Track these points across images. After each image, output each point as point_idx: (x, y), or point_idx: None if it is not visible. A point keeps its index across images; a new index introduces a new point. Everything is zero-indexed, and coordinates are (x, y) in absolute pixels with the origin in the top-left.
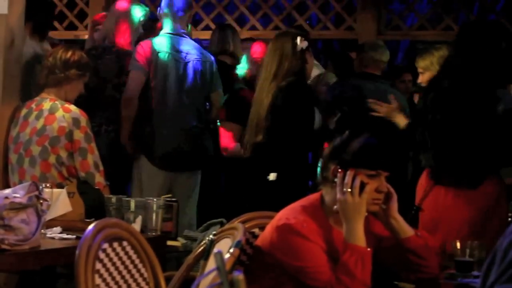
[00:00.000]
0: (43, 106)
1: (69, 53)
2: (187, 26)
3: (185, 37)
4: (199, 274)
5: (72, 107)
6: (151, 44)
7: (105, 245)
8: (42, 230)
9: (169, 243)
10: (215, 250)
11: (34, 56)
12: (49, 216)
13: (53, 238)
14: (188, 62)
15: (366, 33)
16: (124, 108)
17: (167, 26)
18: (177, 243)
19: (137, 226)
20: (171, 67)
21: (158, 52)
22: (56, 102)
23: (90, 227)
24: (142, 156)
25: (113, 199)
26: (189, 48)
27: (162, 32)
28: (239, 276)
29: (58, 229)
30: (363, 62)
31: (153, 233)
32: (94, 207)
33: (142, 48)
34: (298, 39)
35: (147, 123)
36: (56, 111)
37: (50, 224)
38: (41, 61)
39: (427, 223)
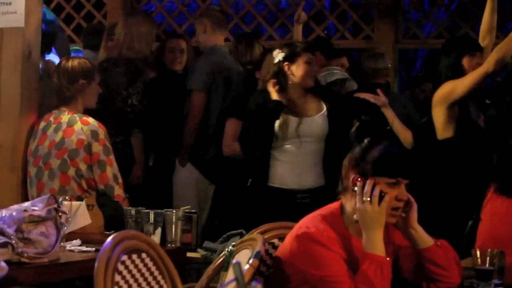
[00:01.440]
0: (61, 119)
1: (70, 66)
2: None
3: None
4: (219, 285)
5: (90, 120)
6: None
7: (124, 257)
8: (62, 243)
9: (189, 254)
10: (234, 261)
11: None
12: (68, 229)
13: (72, 250)
14: None
15: (384, 42)
16: None
17: None
18: (197, 254)
19: (156, 238)
20: None
21: None
22: (75, 115)
23: (109, 239)
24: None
25: (132, 211)
26: None
27: None
28: (257, 286)
29: (78, 241)
30: (364, 74)
31: (173, 245)
32: (114, 219)
33: None
34: (276, 51)
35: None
36: (75, 124)
37: (70, 237)
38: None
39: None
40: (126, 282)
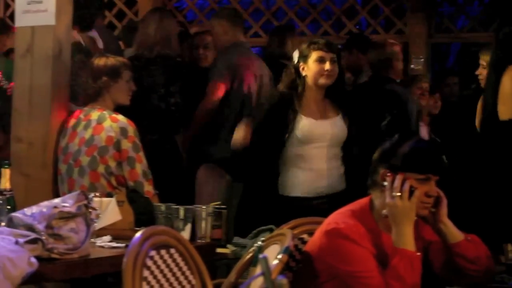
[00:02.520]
0: (91, 116)
1: (95, 63)
2: None
3: None
4: (248, 280)
5: (120, 117)
6: None
7: (153, 253)
8: (92, 239)
9: (219, 250)
10: (261, 255)
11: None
12: (99, 225)
13: (102, 247)
14: None
15: (416, 37)
16: None
17: None
18: (227, 250)
19: (186, 233)
20: None
21: None
22: (104, 112)
23: (138, 234)
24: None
25: (162, 207)
26: None
27: None
28: (283, 280)
29: (108, 237)
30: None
31: (203, 241)
32: (144, 215)
33: None
34: (295, 52)
35: None
36: (104, 121)
37: (100, 233)
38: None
39: None
40: (155, 277)
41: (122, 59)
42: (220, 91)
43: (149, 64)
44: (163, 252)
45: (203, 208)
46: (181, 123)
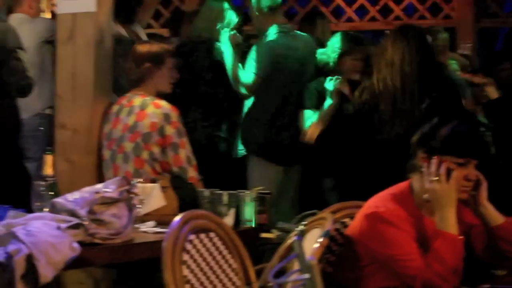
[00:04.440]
0: (134, 102)
1: (137, 49)
2: None
3: None
4: (289, 265)
5: (163, 103)
6: None
7: (192, 237)
8: (136, 225)
9: (263, 235)
10: (295, 237)
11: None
12: (143, 210)
13: (146, 232)
14: None
15: (463, 21)
16: None
17: None
18: (271, 235)
19: (230, 219)
20: None
21: None
22: (147, 98)
23: (177, 218)
24: None
25: (206, 192)
26: None
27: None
28: (312, 261)
29: (152, 223)
30: None
31: (247, 226)
32: (188, 201)
33: None
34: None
35: None
36: (147, 107)
37: (145, 218)
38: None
39: None
40: (195, 261)
41: (166, 46)
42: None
43: (194, 50)
44: (202, 236)
45: (247, 193)
46: (229, 109)
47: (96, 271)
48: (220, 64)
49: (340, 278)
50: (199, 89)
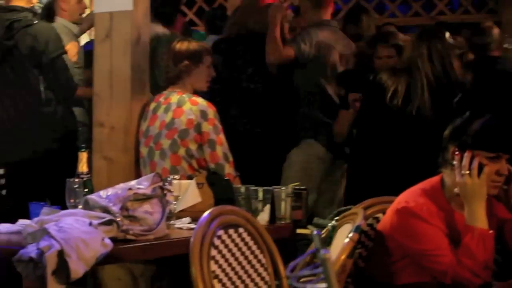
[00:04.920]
0: (171, 99)
1: (176, 47)
2: None
3: None
4: None
5: (199, 100)
6: None
7: (220, 232)
8: (172, 221)
9: (299, 231)
10: (314, 232)
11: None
12: (178, 207)
13: (181, 228)
14: None
15: (508, 16)
16: None
17: None
18: (307, 231)
19: (265, 215)
20: None
21: None
22: (184, 95)
23: (205, 214)
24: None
25: (242, 189)
26: None
27: None
28: (325, 255)
29: (187, 219)
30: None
31: (282, 222)
32: (224, 197)
33: None
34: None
35: None
36: (184, 104)
37: (180, 215)
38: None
39: None
40: (223, 256)
41: (204, 44)
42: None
43: (236, 44)
44: (231, 231)
45: (282, 189)
46: (269, 105)
47: (134, 267)
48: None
49: (372, 273)
50: (240, 84)
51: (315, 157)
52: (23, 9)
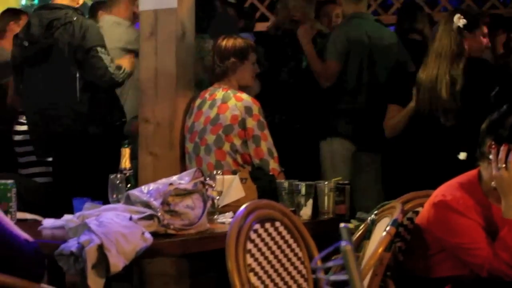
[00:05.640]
0: (216, 95)
1: (223, 44)
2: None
3: None
4: (361, 254)
5: (244, 96)
6: None
7: (257, 226)
8: (215, 216)
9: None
10: (342, 224)
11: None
12: (222, 202)
13: (223, 223)
14: None
15: None
16: None
17: None
18: (350, 225)
19: (308, 209)
20: None
21: None
22: (229, 91)
23: (241, 208)
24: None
25: (285, 183)
26: None
27: None
28: (346, 246)
29: (230, 214)
30: None
31: (325, 216)
32: (267, 192)
33: None
34: (456, 16)
35: None
36: (229, 100)
37: (224, 210)
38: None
39: None
40: (259, 250)
41: (249, 41)
42: (334, 70)
43: (277, 39)
44: (267, 225)
45: (325, 184)
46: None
47: (179, 262)
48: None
49: (411, 266)
50: (279, 78)
51: (344, 150)
52: (64, 7)
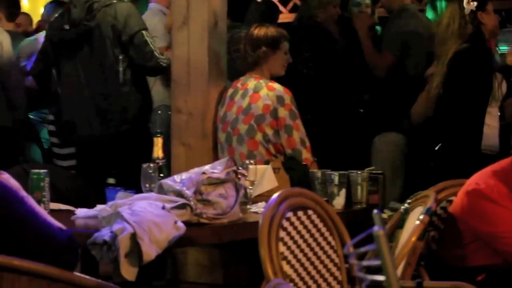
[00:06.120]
0: (248, 85)
1: (255, 33)
2: None
3: None
4: (394, 243)
5: (276, 85)
6: None
7: (289, 214)
8: (248, 205)
9: None
10: (375, 211)
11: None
12: (255, 192)
13: (256, 212)
14: None
15: None
16: None
17: None
18: (384, 215)
19: (341, 199)
20: None
21: None
22: (261, 81)
23: (274, 196)
24: None
25: (318, 173)
26: None
27: None
28: (379, 231)
29: (263, 203)
30: None
31: (358, 206)
32: (300, 182)
33: None
34: (465, 1)
35: None
36: (260, 90)
37: (257, 199)
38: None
39: None
40: (291, 238)
41: (282, 30)
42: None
43: (296, 29)
44: (300, 213)
45: (358, 174)
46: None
47: (212, 252)
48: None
49: (444, 255)
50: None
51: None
52: None
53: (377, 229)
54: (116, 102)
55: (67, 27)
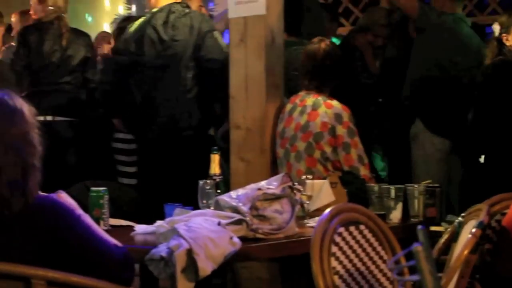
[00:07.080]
0: (306, 102)
1: (309, 48)
2: None
3: None
4: (449, 256)
5: (334, 103)
6: None
7: (341, 229)
8: (305, 220)
9: (433, 228)
10: (419, 226)
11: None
12: (313, 206)
13: (313, 227)
14: None
15: None
16: None
17: None
18: (441, 228)
19: (397, 213)
20: None
21: None
22: (319, 98)
23: (325, 212)
24: None
25: (375, 187)
26: None
27: None
28: (417, 247)
29: None
30: None
31: (415, 219)
32: (357, 196)
33: None
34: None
35: None
36: (319, 107)
37: (314, 214)
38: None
39: None
40: (344, 253)
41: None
42: None
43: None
44: (352, 228)
45: (415, 187)
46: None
47: (272, 266)
48: None
49: (499, 268)
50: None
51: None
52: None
53: (416, 245)
54: (182, 109)
55: (159, 47)
